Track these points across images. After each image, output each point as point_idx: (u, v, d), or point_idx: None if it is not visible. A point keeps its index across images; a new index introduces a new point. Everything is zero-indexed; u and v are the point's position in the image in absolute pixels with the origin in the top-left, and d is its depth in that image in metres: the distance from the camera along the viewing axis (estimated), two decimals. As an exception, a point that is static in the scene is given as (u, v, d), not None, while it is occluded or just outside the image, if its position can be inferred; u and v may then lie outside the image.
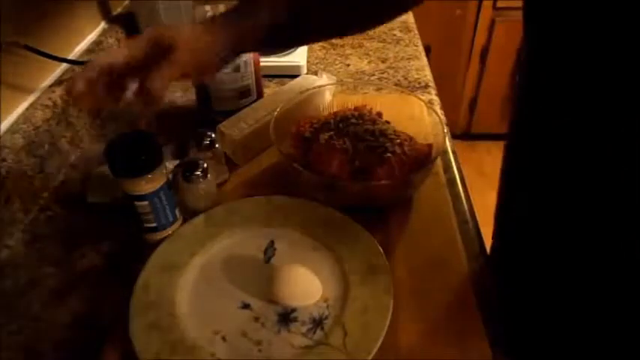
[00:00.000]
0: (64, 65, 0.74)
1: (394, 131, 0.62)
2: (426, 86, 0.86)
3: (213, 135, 0.63)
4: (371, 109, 0.67)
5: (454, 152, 0.72)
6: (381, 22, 0.62)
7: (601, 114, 0.38)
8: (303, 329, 0.47)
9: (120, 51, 0.48)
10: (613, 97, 0.37)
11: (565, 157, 0.43)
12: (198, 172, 0.57)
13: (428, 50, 1.07)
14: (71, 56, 0.76)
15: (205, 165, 0.58)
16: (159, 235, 0.55)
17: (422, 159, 0.60)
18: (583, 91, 0.39)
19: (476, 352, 0.46)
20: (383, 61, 0.94)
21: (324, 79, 0.78)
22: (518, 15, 0.44)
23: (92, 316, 0.51)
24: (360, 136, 0.60)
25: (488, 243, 0.60)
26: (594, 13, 0.35)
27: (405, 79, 0.88)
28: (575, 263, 0.46)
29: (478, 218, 0.62)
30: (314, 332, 0.46)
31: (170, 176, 0.56)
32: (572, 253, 0.46)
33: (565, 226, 0.46)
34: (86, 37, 0.81)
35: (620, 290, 0.43)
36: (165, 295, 0.49)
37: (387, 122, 0.65)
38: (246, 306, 0.49)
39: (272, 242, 0.55)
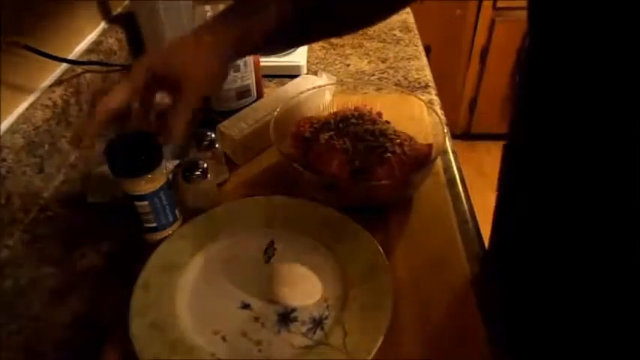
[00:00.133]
0: (64, 65, 0.74)
1: (394, 131, 0.62)
2: (426, 86, 0.86)
3: (213, 135, 0.63)
4: (371, 109, 0.67)
5: (454, 152, 0.72)
6: (384, 16, 0.61)
7: (601, 114, 0.38)
8: (303, 329, 0.47)
9: (121, 90, 0.49)
10: (614, 97, 0.37)
11: (565, 157, 0.43)
12: (198, 172, 0.57)
13: (428, 50, 1.07)
14: (71, 56, 0.76)
15: (205, 165, 0.58)
16: (159, 235, 0.55)
17: (422, 159, 0.60)
18: (584, 91, 0.39)
19: (476, 352, 0.46)
20: (383, 61, 0.94)
21: (324, 79, 0.78)
22: (519, 15, 0.45)
23: (92, 316, 0.51)
24: (360, 136, 0.60)
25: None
26: (599, 13, 0.35)
27: (405, 79, 0.88)
28: (574, 263, 0.46)
29: (478, 218, 0.62)
30: (314, 332, 0.46)
31: (170, 176, 0.56)
32: (572, 252, 0.46)
33: (564, 226, 0.46)
34: (86, 37, 0.81)
35: (619, 290, 0.43)
36: (165, 295, 0.49)
37: (387, 122, 0.65)
38: (246, 306, 0.49)
39: (272, 242, 0.55)
